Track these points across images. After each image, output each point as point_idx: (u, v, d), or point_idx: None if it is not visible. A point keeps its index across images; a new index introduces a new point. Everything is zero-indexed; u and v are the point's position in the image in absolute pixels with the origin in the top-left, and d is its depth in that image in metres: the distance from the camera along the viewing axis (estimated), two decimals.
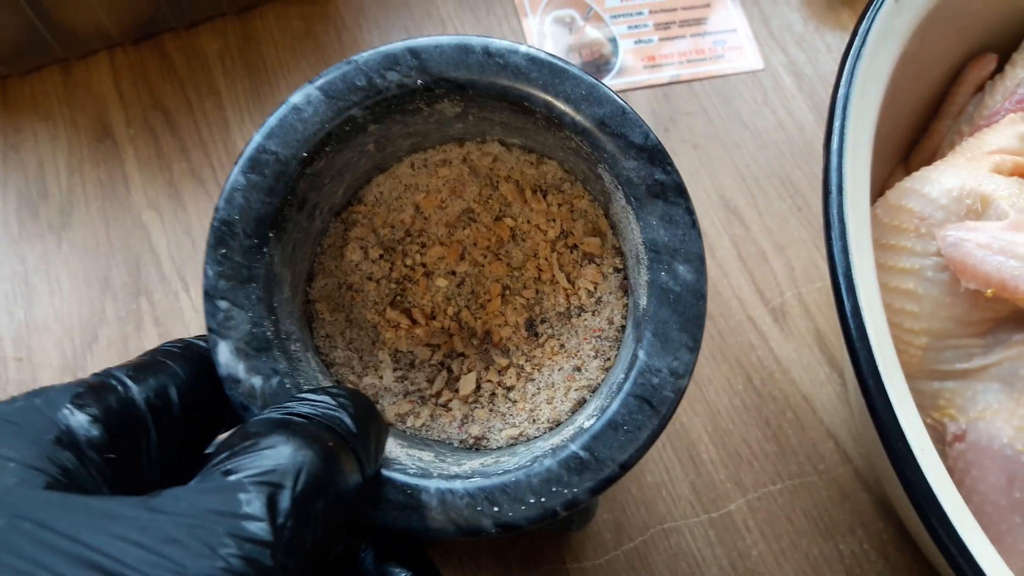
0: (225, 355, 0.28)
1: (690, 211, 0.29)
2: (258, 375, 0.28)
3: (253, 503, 0.19)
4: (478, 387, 0.34)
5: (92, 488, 0.21)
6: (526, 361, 0.34)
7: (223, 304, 0.28)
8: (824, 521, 0.42)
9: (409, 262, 0.35)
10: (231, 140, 0.46)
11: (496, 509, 0.27)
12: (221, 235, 0.28)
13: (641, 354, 0.28)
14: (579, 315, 0.34)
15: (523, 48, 0.30)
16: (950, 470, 0.35)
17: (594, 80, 0.30)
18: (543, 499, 0.27)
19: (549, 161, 0.35)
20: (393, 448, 0.30)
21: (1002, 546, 0.34)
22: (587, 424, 0.29)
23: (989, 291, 0.33)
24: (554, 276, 0.34)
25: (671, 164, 0.30)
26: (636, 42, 0.51)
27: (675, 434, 0.43)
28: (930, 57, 0.41)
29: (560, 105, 0.30)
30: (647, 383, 0.28)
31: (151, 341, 0.41)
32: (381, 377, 0.33)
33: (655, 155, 0.30)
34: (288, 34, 0.48)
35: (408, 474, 0.28)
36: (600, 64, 0.50)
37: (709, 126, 0.50)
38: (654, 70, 0.50)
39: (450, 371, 0.34)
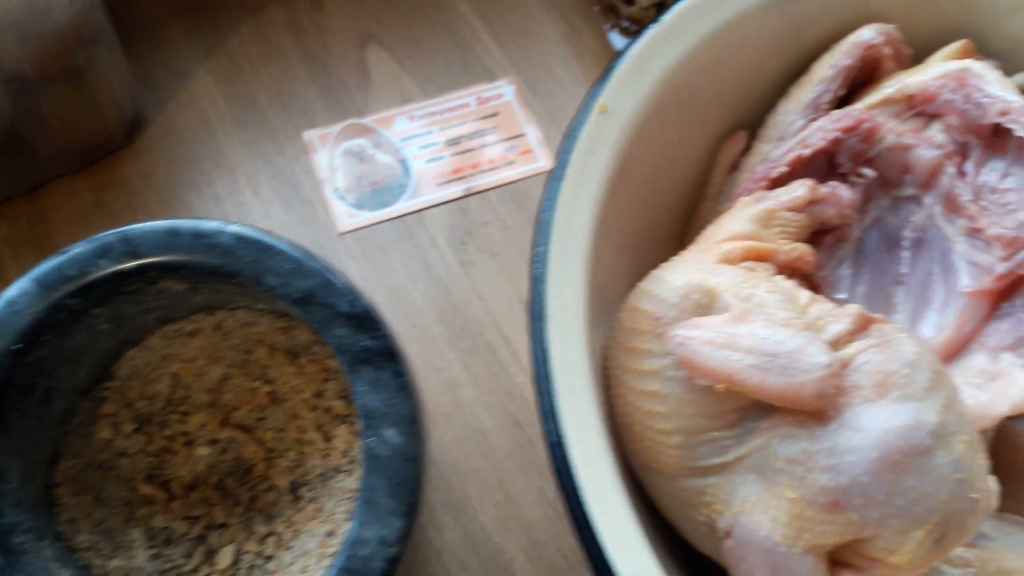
0: None
1: (399, 374, 0.30)
2: None
3: None
4: (237, 559, 0.34)
5: None
6: (286, 528, 0.34)
7: None
8: None
9: (169, 432, 0.35)
10: None
11: None
12: None
13: (353, 525, 0.28)
14: (335, 476, 0.34)
15: (232, 227, 0.31)
16: (728, 567, 0.35)
17: (301, 255, 0.31)
18: None
19: (300, 325, 0.35)
20: None
21: None
22: None
23: (720, 386, 0.33)
24: (313, 438, 0.35)
25: (379, 329, 0.30)
26: (428, 161, 0.52)
27: (489, 557, 0.42)
28: (680, 140, 0.42)
29: (269, 280, 0.31)
30: (356, 555, 0.28)
31: None
32: (133, 557, 0.33)
33: (363, 322, 0.30)
34: (78, 207, 0.49)
35: None
36: (393, 188, 0.51)
37: (505, 232, 0.50)
38: (448, 186, 0.51)
39: (209, 544, 0.34)
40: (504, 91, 0.54)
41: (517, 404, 0.46)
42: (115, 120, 0.49)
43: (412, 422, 0.29)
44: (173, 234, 0.31)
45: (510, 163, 0.52)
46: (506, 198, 0.51)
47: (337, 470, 0.34)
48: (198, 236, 0.31)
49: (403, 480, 0.28)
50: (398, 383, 0.29)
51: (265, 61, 0.55)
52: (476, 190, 0.51)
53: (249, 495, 0.35)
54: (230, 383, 0.36)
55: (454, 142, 0.53)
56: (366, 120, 0.53)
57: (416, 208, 0.50)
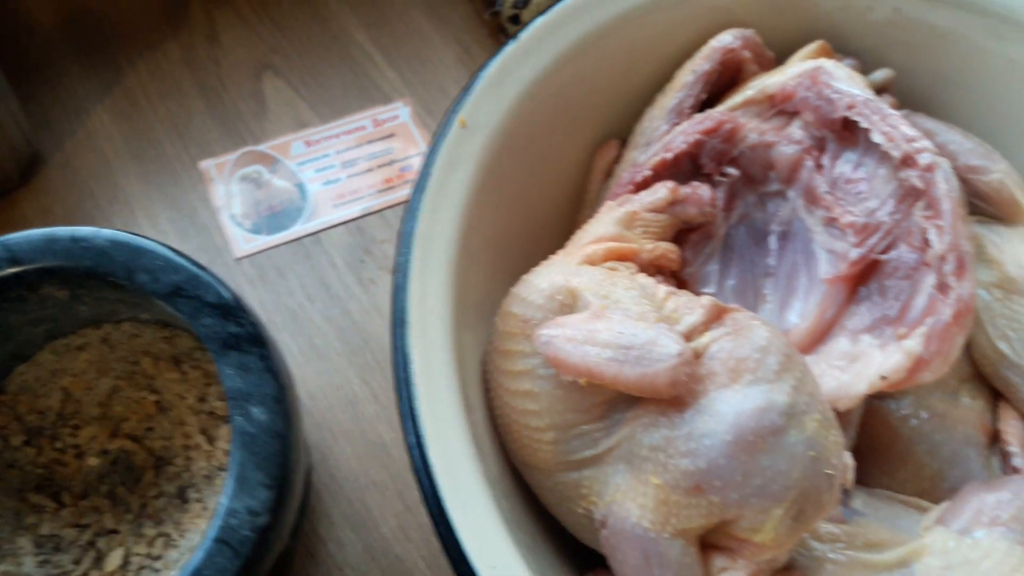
0: None
1: (264, 357, 0.31)
2: None
3: None
4: (126, 562, 0.34)
5: None
6: (174, 528, 0.35)
7: None
8: None
9: (60, 445, 0.36)
10: None
11: None
12: None
13: (223, 499, 0.29)
14: (219, 475, 0.35)
15: (106, 232, 0.33)
16: (606, 557, 0.36)
17: (171, 252, 0.33)
18: None
19: (182, 333, 0.36)
20: None
21: None
22: None
23: (583, 380, 0.34)
24: (198, 443, 0.35)
25: (245, 316, 0.32)
26: (325, 183, 0.53)
27: (390, 568, 0.43)
28: (552, 151, 0.43)
29: (140, 277, 0.32)
30: (227, 525, 0.29)
31: None
32: (20, 564, 0.34)
33: (229, 311, 0.32)
34: None
35: None
36: (290, 212, 0.52)
37: None
38: (345, 207, 0.52)
39: (98, 550, 0.35)
40: (400, 112, 0.56)
41: None
42: (9, 161, 0.49)
43: (278, 401, 0.31)
44: (51, 239, 0.33)
45: (407, 182, 0.53)
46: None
47: (221, 468, 0.35)
48: (75, 240, 0.33)
49: (270, 455, 0.30)
50: (263, 365, 0.31)
51: (162, 95, 0.56)
52: (374, 209, 0.52)
53: (139, 502, 0.36)
54: (119, 395, 0.37)
55: (350, 164, 0.54)
56: (262, 147, 0.54)
57: (313, 230, 0.51)
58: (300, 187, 0.53)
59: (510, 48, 0.39)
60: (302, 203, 0.52)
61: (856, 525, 0.38)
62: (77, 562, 0.34)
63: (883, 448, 0.41)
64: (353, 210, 0.52)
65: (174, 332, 0.37)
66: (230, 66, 0.57)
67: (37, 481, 0.35)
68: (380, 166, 0.54)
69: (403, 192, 0.53)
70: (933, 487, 0.40)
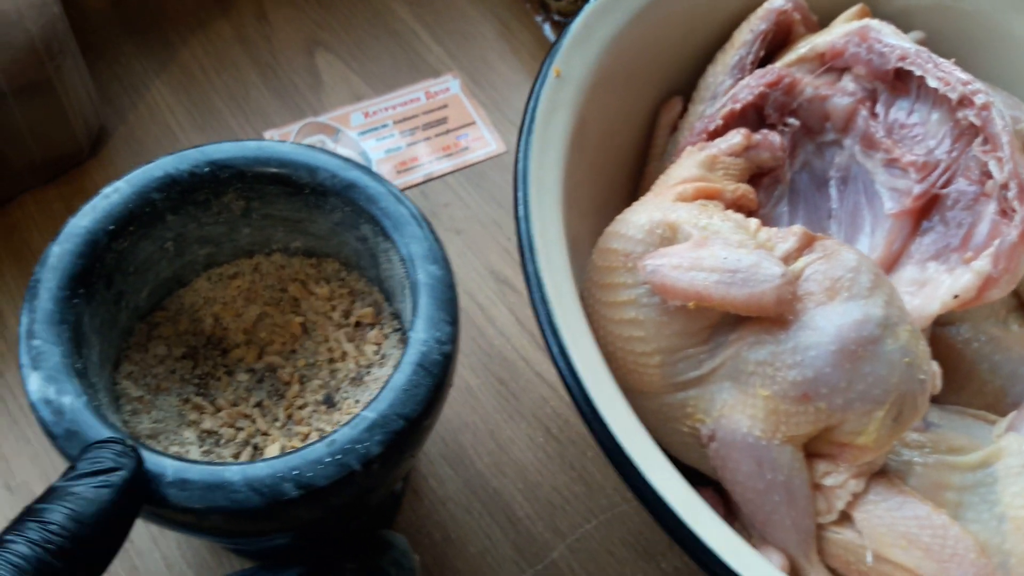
0: (36, 383, 0.31)
1: (432, 229, 0.37)
2: (67, 395, 0.31)
3: None
4: (284, 452, 0.37)
5: None
6: (327, 424, 0.37)
7: (36, 342, 0.32)
8: (642, 544, 0.44)
9: (211, 363, 0.38)
10: (8, 329, 0.47)
11: (296, 472, 0.30)
12: (36, 289, 0.33)
13: (412, 334, 0.34)
14: (368, 373, 0.39)
15: (289, 143, 0.38)
16: (714, 469, 0.38)
17: (341, 159, 0.38)
18: (338, 456, 0.31)
19: (328, 260, 0.41)
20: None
21: (771, 527, 0.37)
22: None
23: (691, 304, 0.37)
24: (344, 352, 0.38)
25: (412, 202, 0.37)
26: (387, 152, 0.55)
27: (489, 500, 0.45)
28: (626, 105, 0.46)
29: (321, 174, 0.37)
30: (418, 352, 0.33)
31: None
32: (187, 452, 0.36)
33: (399, 197, 0.37)
34: (50, 216, 0.50)
35: (214, 465, 0.31)
36: None
37: (467, 211, 0.54)
38: (408, 173, 0.54)
39: (255, 447, 0.37)
40: (450, 85, 0.58)
41: (497, 363, 0.49)
42: (82, 131, 0.50)
43: (447, 261, 0.36)
44: (241, 147, 0.38)
45: (464, 149, 0.55)
46: (464, 181, 0.55)
47: (371, 366, 0.39)
48: (261, 147, 0.38)
49: (447, 299, 0.35)
50: (433, 236, 0.36)
51: (217, 70, 0.57)
52: (436, 175, 0.55)
53: (286, 413, 0.38)
54: (265, 322, 0.40)
55: (409, 133, 0.56)
56: (322, 118, 0.56)
57: None
58: (364, 155, 0.54)
59: (591, 5, 0.42)
60: None
61: (935, 434, 0.41)
62: (237, 456, 0.36)
63: (950, 369, 0.44)
64: (416, 176, 0.54)
65: (321, 261, 0.41)
66: (280, 42, 0.59)
67: (195, 390, 0.39)
68: (437, 135, 0.56)
69: (462, 159, 0.55)
70: (997, 402, 0.43)
